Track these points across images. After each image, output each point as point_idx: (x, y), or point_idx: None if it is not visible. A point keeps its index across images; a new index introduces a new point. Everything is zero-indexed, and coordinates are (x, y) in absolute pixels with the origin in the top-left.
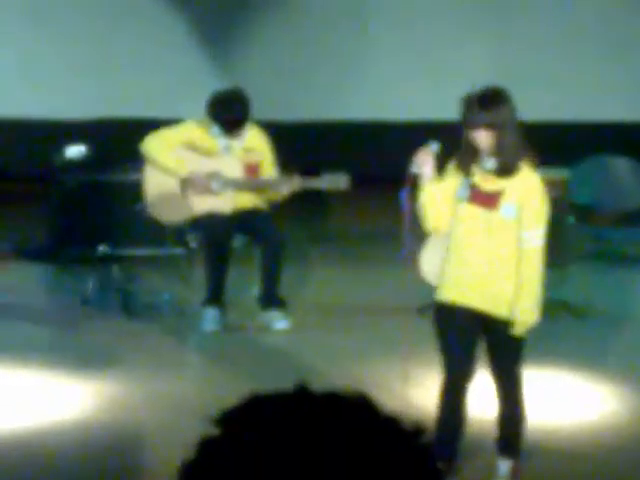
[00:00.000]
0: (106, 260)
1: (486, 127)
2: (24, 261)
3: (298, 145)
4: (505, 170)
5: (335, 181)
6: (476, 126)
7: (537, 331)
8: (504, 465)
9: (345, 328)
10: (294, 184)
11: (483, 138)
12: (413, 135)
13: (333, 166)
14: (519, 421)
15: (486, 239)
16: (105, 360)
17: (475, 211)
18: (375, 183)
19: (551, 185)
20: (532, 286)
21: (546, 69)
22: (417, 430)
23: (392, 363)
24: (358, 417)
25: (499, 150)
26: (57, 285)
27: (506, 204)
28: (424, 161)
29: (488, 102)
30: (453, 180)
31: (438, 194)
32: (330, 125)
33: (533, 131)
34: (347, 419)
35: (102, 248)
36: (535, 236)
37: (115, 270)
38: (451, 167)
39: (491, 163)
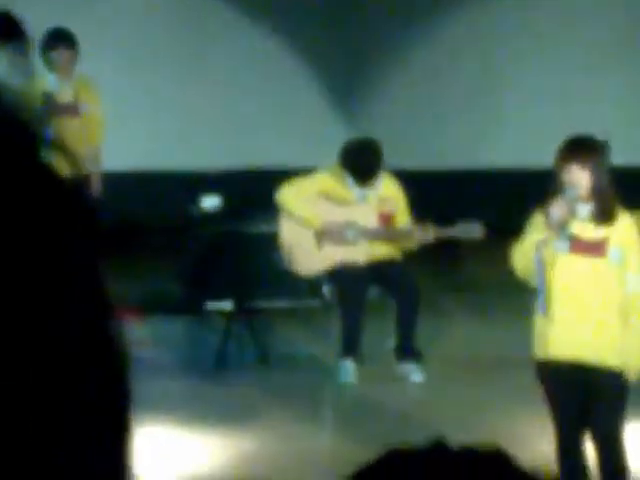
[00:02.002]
0: (243, 312)
1: (581, 167)
2: (161, 314)
3: (432, 194)
4: (606, 216)
5: (469, 230)
6: (570, 164)
7: None
8: None
9: (481, 380)
10: (429, 233)
11: (576, 178)
12: (544, 182)
13: (467, 215)
14: (626, 473)
15: (594, 288)
16: (242, 414)
17: (580, 261)
18: (509, 231)
19: None
20: None
21: None
22: None
23: (531, 417)
24: (495, 474)
25: (596, 194)
26: (194, 338)
27: (613, 249)
28: (559, 211)
29: (582, 144)
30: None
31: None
32: (463, 173)
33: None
34: (484, 475)
35: (238, 300)
36: None
37: (251, 322)
38: (538, 218)
39: (587, 210)
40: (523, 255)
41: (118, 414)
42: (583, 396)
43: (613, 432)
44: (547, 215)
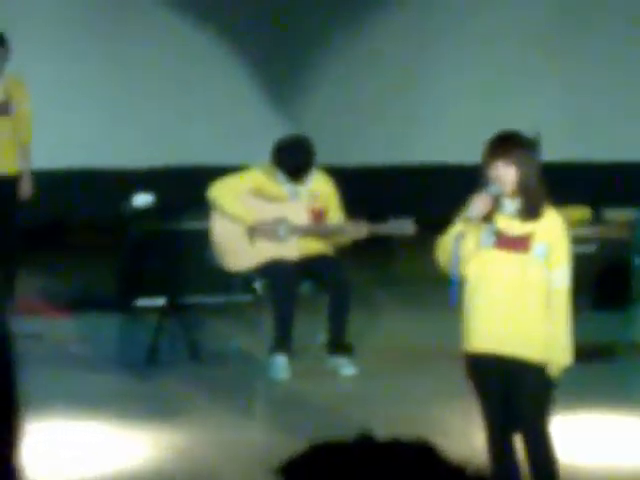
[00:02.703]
0: (174, 309)
1: (506, 163)
2: (93, 311)
3: (363, 190)
4: (531, 212)
5: (401, 227)
6: (496, 161)
7: (603, 373)
8: None
9: (412, 373)
10: (361, 230)
11: (501, 173)
12: (476, 178)
13: (398, 211)
14: (554, 465)
15: (517, 283)
16: (173, 409)
17: (504, 257)
18: (440, 227)
19: (619, 226)
20: (566, 326)
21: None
22: (480, 478)
23: (458, 409)
24: (420, 464)
25: (522, 190)
26: (125, 335)
27: (538, 245)
28: (480, 205)
29: (508, 140)
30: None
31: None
32: (394, 169)
33: (597, 170)
34: (409, 467)
35: (170, 297)
36: (563, 276)
37: (183, 318)
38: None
39: (514, 205)
40: (444, 248)
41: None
42: (506, 389)
43: (536, 426)
44: (467, 209)
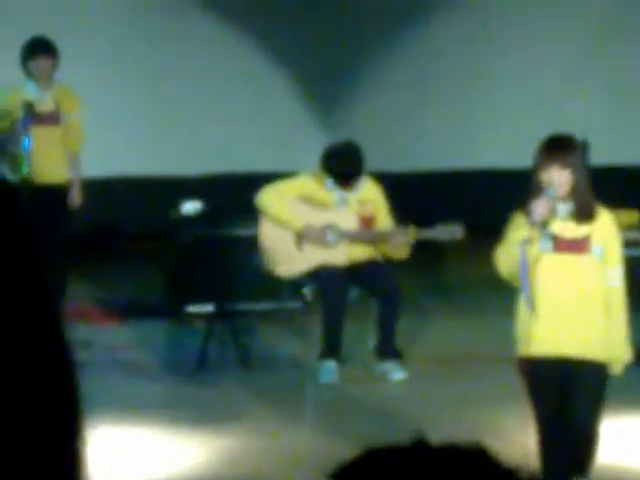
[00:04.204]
0: (223, 315)
1: (561, 167)
2: (141, 318)
3: (413, 196)
4: (586, 214)
5: (450, 231)
6: (551, 164)
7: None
8: None
9: (462, 377)
10: (409, 235)
11: (556, 177)
12: (525, 183)
13: (446, 216)
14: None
15: (578, 284)
16: (222, 415)
17: (564, 260)
18: (489, 231)
19: None
20: (624, 323)
21: None
22: None
23: (511, 412)
24: (476, 469)
25: (576, 193)
26: (174, 341)
27: (595, 246)
28: (543, 209)
29: (563, 143)
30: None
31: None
32: (443, 175)
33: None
34: (465, 471)
35: (219, 303)
36: (619, 274)
37: (232, 325)
38: (518, 218)
39: (567, 208)
40: (507, 255)
41: (68, 420)
42: (564, 391)
43: (591, 426)
44: (529, 214)
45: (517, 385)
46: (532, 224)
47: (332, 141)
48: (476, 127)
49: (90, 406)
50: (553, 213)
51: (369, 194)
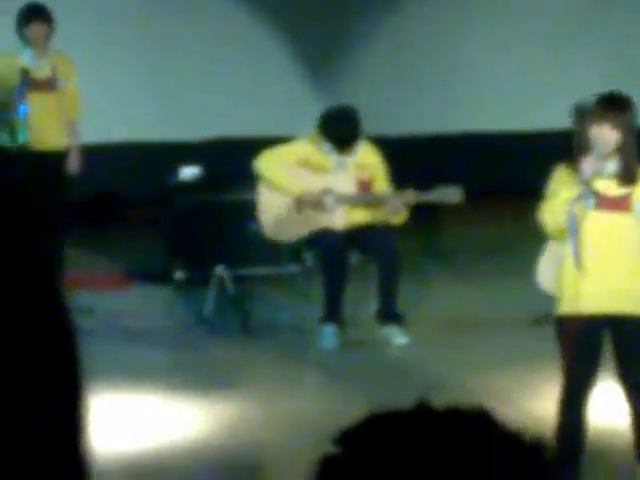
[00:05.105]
0: (223, 280)
1: (612, 126)
2: (140, 284)
3: (410, 160)
4: (630, 174)
5: (448, 194)
6: (603, 122)
7: None
8: None
9: (463, 341)
10: (407, 198)
11: (607, 136)
12: (523, 145)
13: (446, 180)
14: None
15: (621, 241)
16: (224, 380)
17: (605, 217)
18: (488, 195)
19: None
20: None
21: None
22: (539, 445)
23: (513, 375)
24: (480, 432)
25: (623, 153)
26: (174, 307)
27: (637, 203)
28: (592, 167)
29: (617, 102)
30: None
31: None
32: (439, 138)
33: None
34: (469, 434)
35: (218, 268)
36: None
37: (232, 290)
38: (562, 174)
39: (612, 166)
40: (554, 213)
41: (70, 388)
42: (612, 349)
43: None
44: (579, 172)
45: (519, 349)
46: (581, 182)
47: (331, 104)
48: (478, 91)
49: (91, 373)
50: (598, 171)
51: (367, 158)
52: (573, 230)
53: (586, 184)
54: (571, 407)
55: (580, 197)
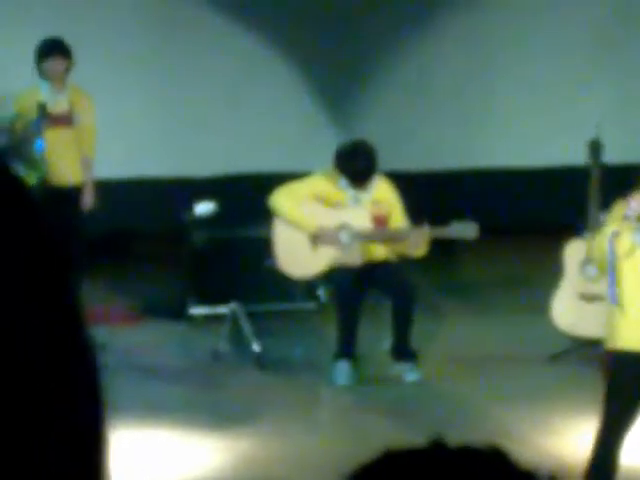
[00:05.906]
0: (237, 316)
1: None
2: (155, 319)
3: (426, 195)
4: None
5: (464, 230)
6: None
7: None
8: None
9: (478, 378)
10: (423, 234)
11: None
12: (539, 181)
13: (462, 215)
14: None
15: None
16: (238, 417)
17: None
18: (504, 231)
19: None
20: None
21: None
22: None
23: (528, 413)
24: (494, 471)
25: None
26: (188, 343)
27: None
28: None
29: None
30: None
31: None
32: (456, 174)
33: None
34: (482, 474)
35: (233, 304)
36: None
37: (246, 326)
38: (617, 210)
39: None
40: (598, 246)
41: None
42: None
43: None
44: (627, 207)
45: (535, 386)
46: (627, 217)
47: (345, 140)
48: (488, 127)
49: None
50: None
51: (382, 193)
52: (611, 264)
53: (633, 220)
54: (606, 444)
55: (631, 233)
